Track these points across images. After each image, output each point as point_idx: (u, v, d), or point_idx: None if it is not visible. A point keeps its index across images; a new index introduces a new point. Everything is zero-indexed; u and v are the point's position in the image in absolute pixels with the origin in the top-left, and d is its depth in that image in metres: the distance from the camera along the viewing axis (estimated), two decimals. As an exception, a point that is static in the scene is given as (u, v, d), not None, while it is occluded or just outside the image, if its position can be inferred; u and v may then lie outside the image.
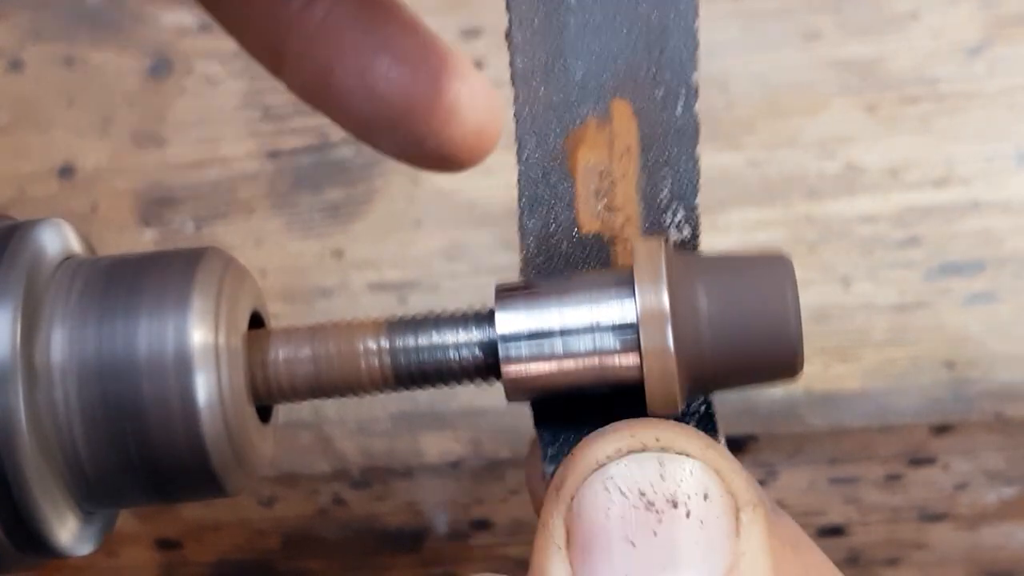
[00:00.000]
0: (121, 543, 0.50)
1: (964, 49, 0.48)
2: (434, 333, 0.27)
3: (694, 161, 0.27)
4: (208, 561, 0.50)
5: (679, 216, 0.27)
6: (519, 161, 0.28)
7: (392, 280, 0.49)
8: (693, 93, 0.27)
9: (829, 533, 0.48)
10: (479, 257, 0.48)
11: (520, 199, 0.28)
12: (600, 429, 0.25)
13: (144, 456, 0.25)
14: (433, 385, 0.27)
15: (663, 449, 0.24)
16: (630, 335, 0.25)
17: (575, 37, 0.28)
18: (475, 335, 0.26)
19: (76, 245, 0.27)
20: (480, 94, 0.34)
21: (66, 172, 0.51)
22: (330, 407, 0.48)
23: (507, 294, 0.26)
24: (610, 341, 0.25)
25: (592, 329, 0.25)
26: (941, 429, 0.46)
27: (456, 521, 0.49)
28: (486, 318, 0.26)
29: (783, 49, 0.49)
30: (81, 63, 0.52)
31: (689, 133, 0.27)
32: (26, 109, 0.52)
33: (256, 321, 0.28)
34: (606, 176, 0.28)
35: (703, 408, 0.27)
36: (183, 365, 0.25)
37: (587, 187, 0.27)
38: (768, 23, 0.49)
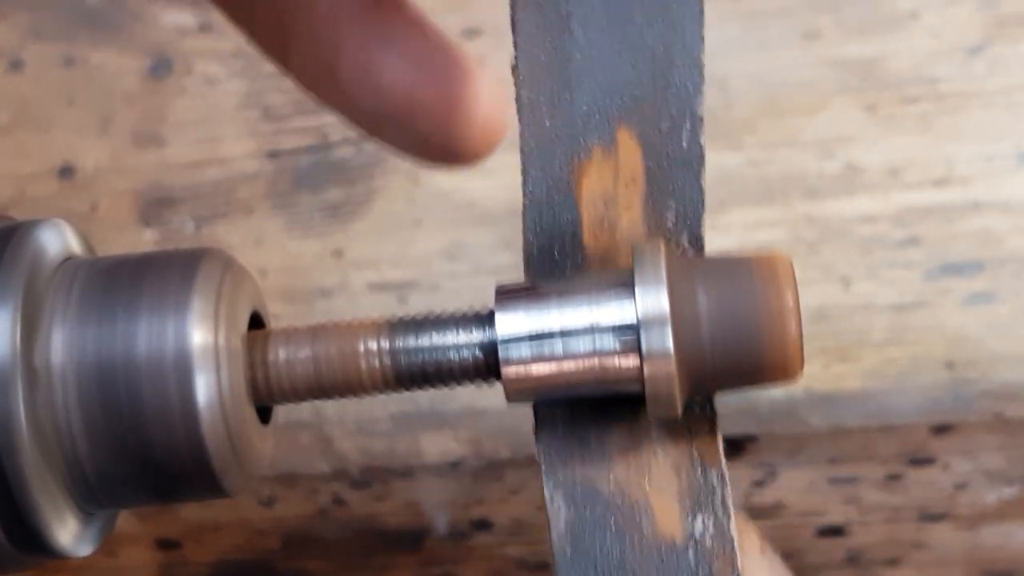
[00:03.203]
0: (121, 543, 0.50)
1: (964, 49, 0.48)
2: (434, 334, 0.27)
3: (699, 190, 0.27)
4: (208, 561, 0.50)
5: (684, 244, 0.27)
6: (524, 191, 0.28)
7: (392, 280, 0.49)
8: (698, 123, 0.27)
9: (829, 533, 0.48)
10: (479, 257, 0.48)
11: (525, 227, 0.28)
12: None
13: (144, 456, 0.25)
14: (433, 386, 0.27)
15: None
16: (630, 336, 0.25)
17: (580, 69, 0.28)
18: (475, 336, 0.26)
19: (76, 245, 0.27)
20: (486, 90, 0.34)
21: (66, 172, 0.51)
22: (330, 407, 0.48)
23: (507, 295, 0.26)
24: (610, 342, 0.25)
25: (592, 330, 0.25)
26: (941, 429, 0.46)
27: (456, 521, 0.49)
28: (486, 319, 0.26)
29: (783, 49, 0.49)
30: (81, 63, 0.52)
31: (694, 163, 0.27)
32: (26, 109, 0.52)
33: (256, 322, 0.28)
34: (611, 204, 0.27)
35: (707, 411, 0.27)
36: (183, 366, 0.25)
37: (592, 215, 0.27)
38: (768, 23, 0.49)
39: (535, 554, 0.49)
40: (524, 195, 0.28)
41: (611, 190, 0.27)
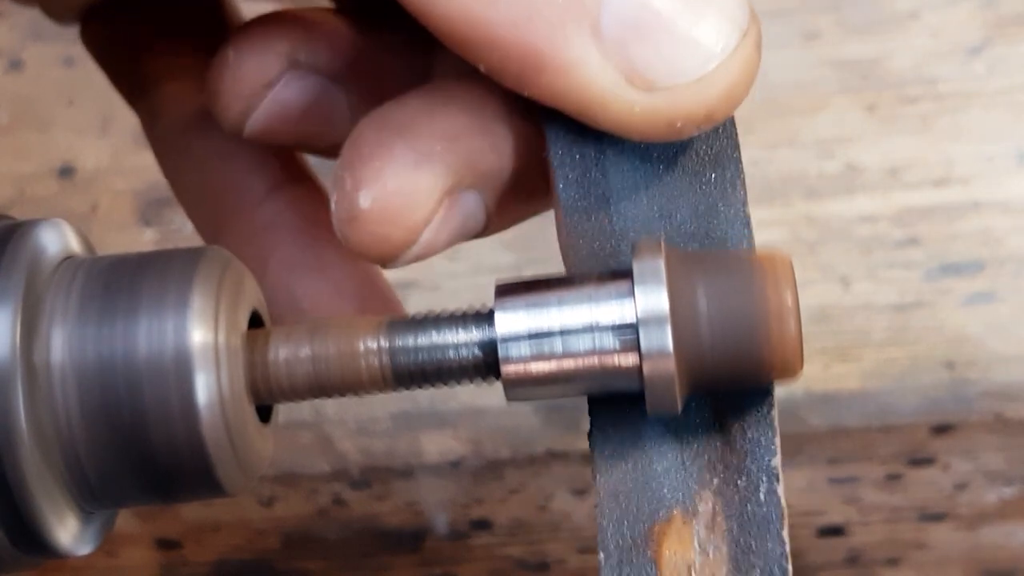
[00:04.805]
0: (121, 543, 0.50)
1: (964, 49, 0.48)
2: (434, 333, 0.26)
3: (782, 545, 0.27)
4: (208, 561, 0.50)
5: None
6: (600, 553, 0.27)
7: (392, 280, 0.49)
8: (775, 477, 0.27)
9: (829, 533, 0.48)
10: (479, 257, 0.48)
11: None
12: None
13: (144, 456, 0.25)
14: (433, 385, 0.27)
15: None
16: (630, 335, 0.25)
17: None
18: (475, 335, 0.26)
19: (76, 245, 0.27)
20: None
21: (66, 172, 0.51)
22: (330, 407, 0.48)
23: (507, 293, 0.26)
24: (610, 341, 0.25)
25: (592, 329, 0.25)
26: (941, 429, 0.46)
27: (456, 521, 0.49)
28: (486, 318, 0.26)
29: (783, 49, 0.49)
30: (81, 63, 0.52)
31: (775, 518, 0.27)
32: (26, 109, 0.52)
33: (256, 321, 0.28)
34: (695, 570, 0.27)
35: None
36: (183, 365, 0.25)
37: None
38: (768, 23, 0.49)
39: (535, 554, 0.49)
40: (600, 554, 0.26)
41: (693, 555, 0.27)
